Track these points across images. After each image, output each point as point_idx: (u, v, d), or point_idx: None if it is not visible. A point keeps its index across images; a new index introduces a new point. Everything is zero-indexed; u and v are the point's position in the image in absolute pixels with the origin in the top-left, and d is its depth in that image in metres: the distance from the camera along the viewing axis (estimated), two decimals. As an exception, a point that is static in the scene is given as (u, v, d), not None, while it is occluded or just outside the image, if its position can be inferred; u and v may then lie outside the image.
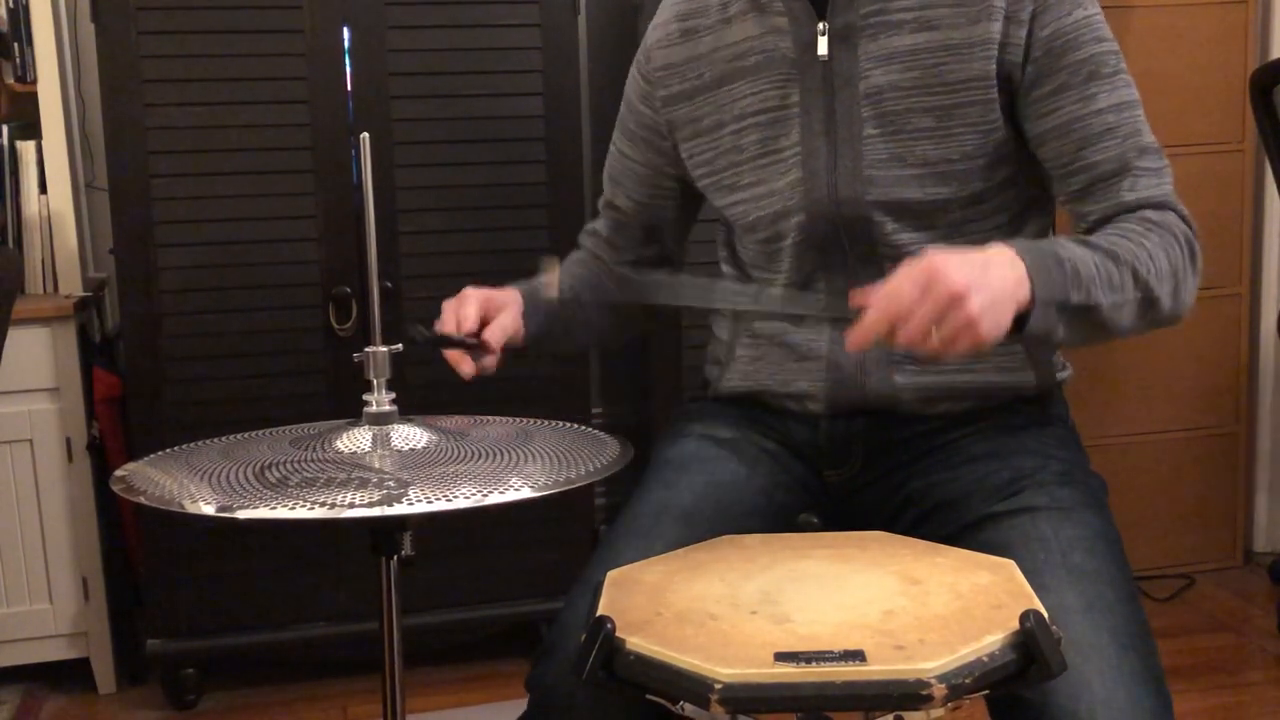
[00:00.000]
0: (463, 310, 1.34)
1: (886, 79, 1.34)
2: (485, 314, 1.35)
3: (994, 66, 1.31)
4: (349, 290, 2.50)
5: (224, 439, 1.30)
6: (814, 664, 0.96)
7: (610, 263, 1.58)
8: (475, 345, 1.32)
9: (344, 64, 2.46)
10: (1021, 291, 1.13)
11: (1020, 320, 1.14)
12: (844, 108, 1.35)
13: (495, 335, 1.34)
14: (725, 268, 1.53)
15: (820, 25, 1.36)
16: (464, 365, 1.34)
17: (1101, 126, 1.30)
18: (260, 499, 1.05)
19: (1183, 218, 1.31)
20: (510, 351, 1.38)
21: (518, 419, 1.38)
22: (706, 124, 1.44)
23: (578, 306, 1.51)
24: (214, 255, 2.46)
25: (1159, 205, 1.30)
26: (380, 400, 1.24)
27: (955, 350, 1.10)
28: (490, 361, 1.35)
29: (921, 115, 1.33)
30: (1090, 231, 1.31)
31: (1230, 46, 2.93)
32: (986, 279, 1.11)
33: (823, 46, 1.36)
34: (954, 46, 1.32)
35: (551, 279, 1.41)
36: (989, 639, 0.99)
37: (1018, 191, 1.38)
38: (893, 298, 1.10)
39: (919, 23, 1.33)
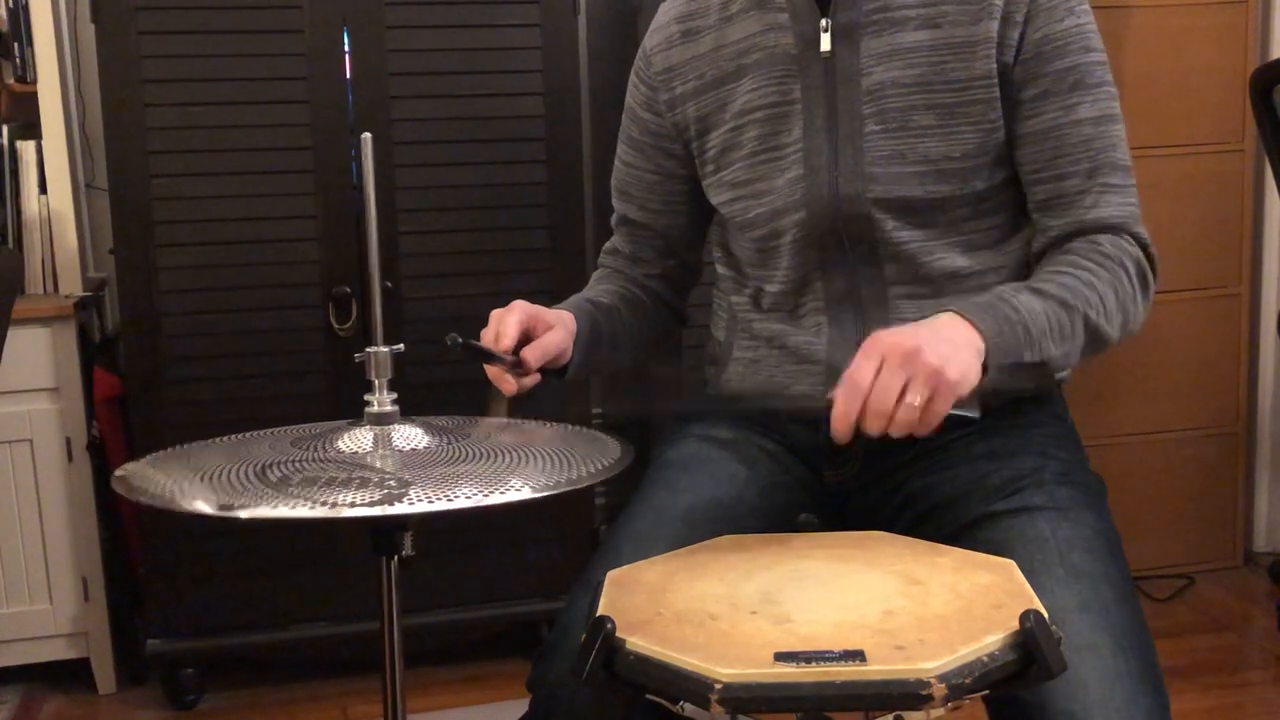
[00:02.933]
0: (502, 325, 1.29)
1: (889, 76, 1.34)
2: (530, 331, 1.31)
3: (994, 65, 1.31)
4: (349, 290, 2.50)
5: (225, 439, 1.30)
6: (814, 664, 0.96)
7: (637, 278, 1.56)
8: (510, 363, 1.27)
9: (344, 64, 2.46)
10: (979, 347, 1.17)
11: None
12: (846, 104, 1.35)
13: (534, 354, 1.29)
14: (720, 268, 1.52)
15: (823, 21, 1.36)
16: (504, 384, 1.29)
17: (1078, 137, 1.32)
18: (261, 498, 1.05)
19: (1139, 242, 1.34)
20: (551, 373, 1.34)
21: (519, 420, 1.38)
22: (710, 122, 1.44)
23: (618, 317, 1.49)
24: (214, 255, 2.46)
25: (1117, 229, 1.32)
26: (381, 400, 1.24)
27: (937, 407, 1.12)
28: (528, 381, 1.30)
29: (924, 113, 1.33)
30: (1048, 248, 1.35)
31: (1230, 46, 2.93)
32: (936, 335, 1.15)
33: (825, 43, 1.36)
34: (957, 45, 1.32)
35: (499, 410, 1.35)
36: (989, 639, 0.99)
37: (1017, 191, 1.38)
38: (852, 383, 1.13)
39: (922, 20, 1.33)
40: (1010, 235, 1.39)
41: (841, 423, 1.14)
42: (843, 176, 1.35)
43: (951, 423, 1.15)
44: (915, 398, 1.11)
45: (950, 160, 1.33)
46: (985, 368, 1.17)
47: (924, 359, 1.11)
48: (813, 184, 1.36)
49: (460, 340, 1.21)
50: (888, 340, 1.13)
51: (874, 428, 1.13)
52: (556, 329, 1.32)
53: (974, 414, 1.18)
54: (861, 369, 1.13)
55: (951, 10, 1.32)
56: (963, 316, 1.19)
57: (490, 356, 1.27)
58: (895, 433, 1.13)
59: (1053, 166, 1.33)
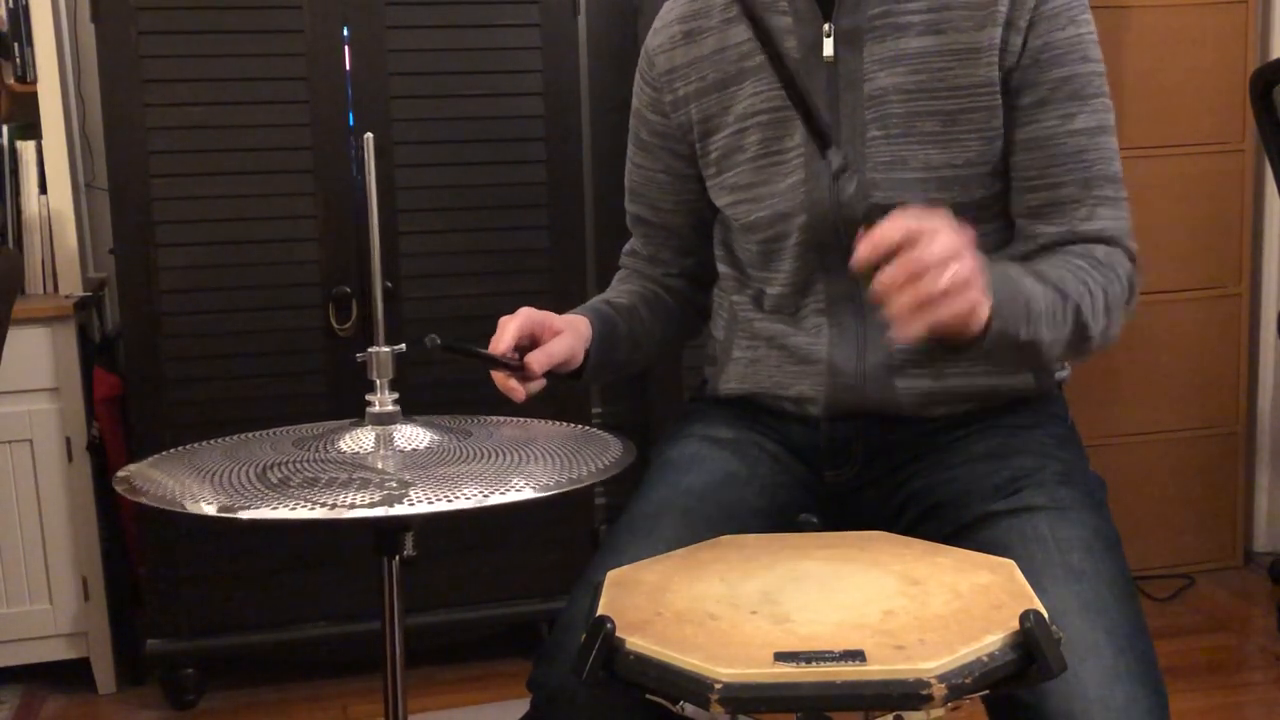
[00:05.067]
0: (501, 330, 1.28)
1: (892, 81, 1.34)
2: (537, 337, 1.30)
3: (997, 73, 1.31)
4: (349, 290, 2.50)
5: (227, 439, 1.30)
6: (814, 664, 0.96)
7: (657, 278, 1.56)
8: (509, 365, 1.27)
9: (344, 64, 2.46)
10: (987, 309, 1.13)
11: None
12: (848, 110, 1.35)
13: (538, 360, 1.28)
14: (722, 267, 1.52)
15: (826, 26, 1.36)
16: (513, 392, 1.28)
17: (1074, 147, 1.31)
18: (262, 499, 1.05)
19: (1130, 255, 1.33)
20: (560, 378, 1.33)
21: (520, 419, 1.38)
22: (712, 124, 1.44)
23: (637, 317, 1.49)
24: (214, 255, 2.46)
25: (1110, 241, 1.32)
26: (383, 400, 1.24)
27: (949, 305, 1.06)
28: (533, 386, 1.29)
29: (926, 119, 1.33)
30: (1039, 252, 1.33)
31: (1230, 46, 2.93)
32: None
33: (828, 48, 1.35)
34: (960, 51, 1.32)
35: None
36: (989, 639, 0.99)
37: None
38: (916, 229, 1.06)
39: (926, 25, 1.33)
40: (1009, 241, 1.39)
41: (871, 247, 1.07)
42: (844, 181, 1.35)
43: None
44: (943, 281, 1.05)
45: (952, 167, 1.33)
46: (985, 331, 1.13)
47: (968, 260, 1.07)
48: (814, 189, 1.36)
49: (439, 341, 1.18)
50: (962, 232, 1.08)
51: (897, 279, 1.06)
52: (564, 335, 1.32)
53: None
54: (931, 224, 1.06)
55: (956, 16, 1.32)
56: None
57: (480, 358, 1.26)
58: (901, 304, 1.06)
59: (1047, 175, 1.32)
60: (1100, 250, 1.31)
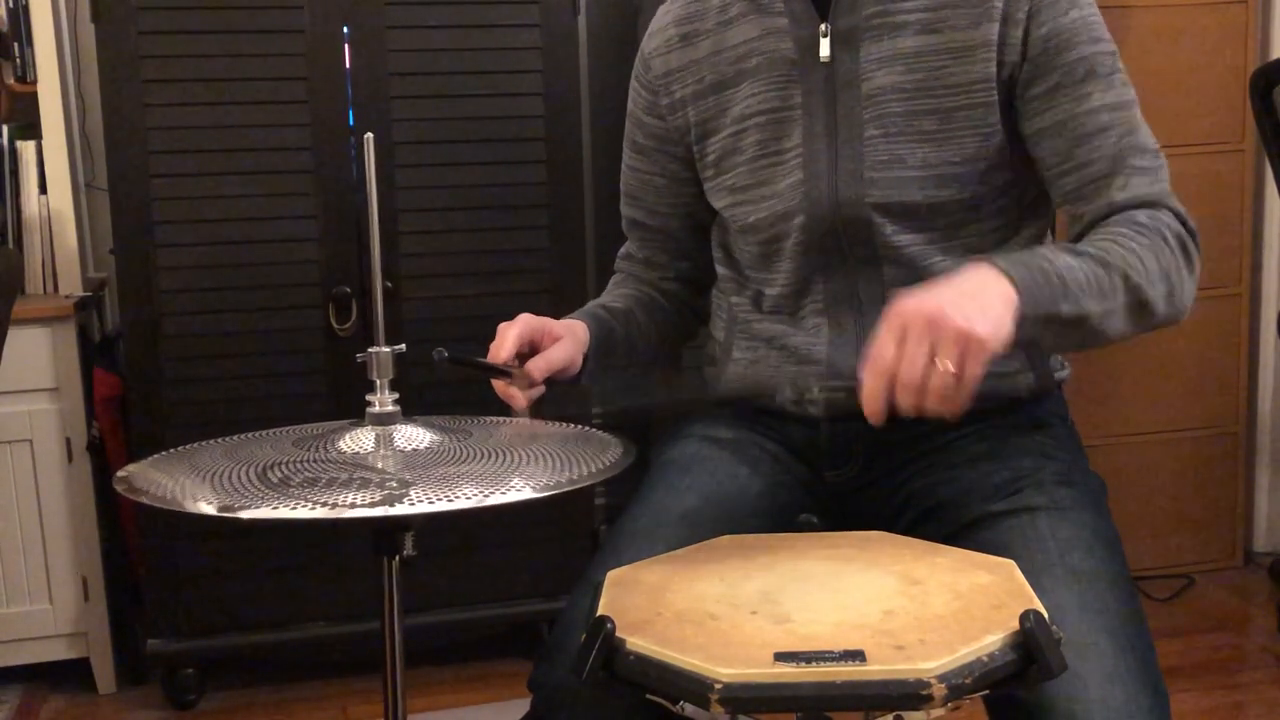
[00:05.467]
0: (501, 338, 1.28)
1: (889, 81, 1.34)
2: (536, 343, 1.30)
3: (994, 69, 1.31)
4: (349, 290, 2.50)
5: (226, 439, 1.30)
6: (814, 664, 0.96)
7: (653, 281, 1.56)
8: (510, 374, 1.26)
9: (344, 64, 2.46)
10: (1011, 297, 1.12)
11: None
12: (846, 109, 1.35)
13: (538, 367, 1.28)
14: (720, 269, 1.52)
15: (822, 26, 1.36)
16: (514, 400, 1.28)
17: (1095, 125, 1.30)
18: (262, 499, 1.05)
19: (1178, 215, 1.29)
20: (560, 384, 1.33)
21: (519, 419, 1.38)
22: (709, 126, 1.44)
23: (633, 321, 1.49)
24: (214, 255, 2.46)
25: (1151, 204, 1.29)
26: (383, 400, 1.24)
27: (971, 369, 1.06)
28: (533, 393, 1.29)
29: (923, 118, 1.33)
30: (1083, 234, 1.30)
31: (1230, 46, 2.93)
32: (959, 293, 1.09)
33: (825, 48, 1.35)
34: (956, 49, 1.32)
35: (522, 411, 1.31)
36: (989, 639, 0.99)
37: (1016, 195, 1.38)
38: (876, 359, 1.08)
39: (922, 25, 1.33)
40: (1009, 238, 1.39)
41: (873, 403, 1.08)
42: (842, 181, 1.35)
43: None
44: (946, 363, 1.05)
45: (950, 165, 1.33)
46: (1021, 321, 1.11)
47: (949, 321, 1.05)
48: (812, 189, 1.36)
49: (446, 355, 1.18)
50: (908, 307, 1.07)
51: (908, 403, 1.06)
52: (563, 341, 1.32)
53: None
54: (884, 342, 1.07)
55: (951, 14, 1.32)
56: (992, 265, 1.14)
57: (483, 368, 1.26)
58: (934, 406, 1.06)
59: (1074, 157, 1.31)
60: (1142, 215, 1.27)
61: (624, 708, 1.16)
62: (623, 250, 1.60)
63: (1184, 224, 1.29)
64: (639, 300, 1.52)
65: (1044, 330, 1.16)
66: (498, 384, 1.29)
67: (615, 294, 1.54)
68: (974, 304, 1.08)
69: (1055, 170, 1.33)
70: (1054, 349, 1.21)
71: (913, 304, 1.08)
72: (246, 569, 2.54)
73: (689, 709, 0.99)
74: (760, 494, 1.40)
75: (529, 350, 1.30)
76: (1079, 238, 1.31)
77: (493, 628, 2.71)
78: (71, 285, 2.66)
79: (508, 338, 1.28)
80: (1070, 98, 1.30)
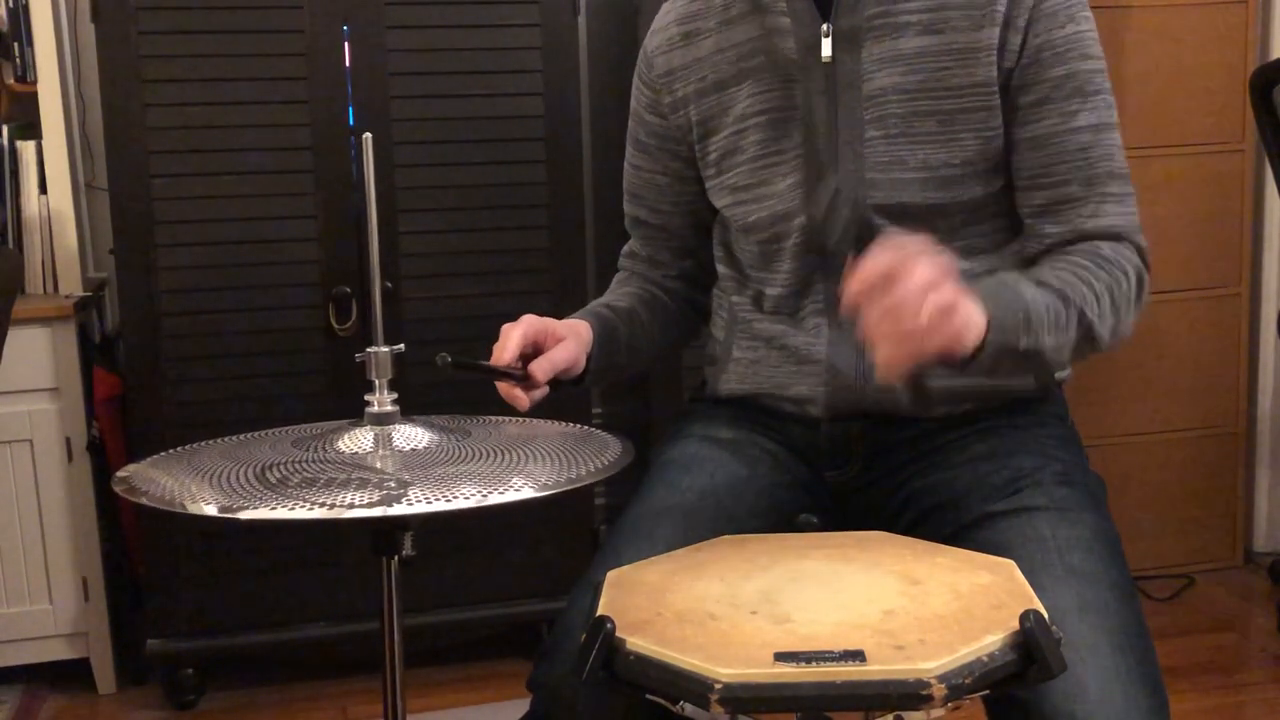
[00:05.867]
0: (504, 340, 1.27)
1: (890, 81, 1.34)
2: (539, 344, 1.30)
3: (995, 72, 1.31)
4: (349, 290, 2.50)
5: (225, 439, 1.30)
6: (814, 664, 0.96)
7: (656, 279, 1.56)
8: (514, 376, 1.26)
9: (344, 64, 2.46)
10: (981, 325, 1.15)
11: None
12: (846, 110, 1.35)
13: (542, 368, 1.28)
14: (722, 268, 1.52)
15: (824, 26, 1.36)
16: (517, 401, 1.28)
17: (1076, 145, 1.31)
18: (261, 499, 1.05)
19: (1138, 250, 1.33)
20: (564, 384, 1.33)
21: (519, 419, 1.38)
22: (711, 125, 1.44)
23: (636, 320, 1.49)
24: (214, 255, 2.46)
25: (1116, 237, 1.32)
26: (382, 400, 1.24)
27: (932, 339, 1.08)
28: (536, 394, 1.29)
29: (924, 119, 1.33)
30: (1046, 253, 1.33)
31: (1230, 46, 2.93)
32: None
33: (826, 48, 1.35)
34: (958, 51, 1.32)
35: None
36: (989, 639, 0.99)
37: (1015, 200, 1.38)
38: (877, 265, 1.07)
39: (924, 25, 1.33)
40: (1009, 240, 1.39)
41: (853, 289, 1.07)
42: (843, 182, 1.35)
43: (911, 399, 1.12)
44: (923, 315, 1.06)
45: (950, 167, 1.33)
46: (981, 347, 1.15)
47: (947, 288, 1.08)
48: (813, 189, 1.36)
49: (449, 359, 1.18)
50: (934, 257, 1.09)
51: (879, 323, 1.07)
52: (566, 342, 1.32)
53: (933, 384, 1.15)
54: (896, 260, 1.07)
55: (954, 16, 1.32)
56: (977, 296, 1.16)
57: (487, 371, 1.25)
58: (883, 345, 1.08)
59: (1050, 173, 1.32)
60: (1106, 247, 1.30)
61: (624, 708, 1.16)
62: (626, 249, 1.60)
63: (1144, 260, 1.33)
64: (642, 299, 1.52)
65: (999, 358, 1.18)
66: (501, 385, 1.29)
67: (618, 293, 1.54)
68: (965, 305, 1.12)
69: (1028, 183, 1.34)
70: (998, 376, 1.25)
71: (936, 260, 1.09)
72: (246, 569, 2.54)
73: (689, 709, 0.99)
74: (760, 494, 1.40)
75: (532, 351, 1.29)
76: (1037, 256, 1.34)
77: (493, 628, 2.71)
78: (71, 285, 2.66)
79: (511, 339, 1.27)
80: (1056, 113, 1.31)
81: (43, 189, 2.65)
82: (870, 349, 1.10)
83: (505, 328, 1.29)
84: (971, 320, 1.13)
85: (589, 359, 1.38)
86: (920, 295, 1.06)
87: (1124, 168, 1.33)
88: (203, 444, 1.28)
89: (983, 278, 1.25)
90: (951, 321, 1.09)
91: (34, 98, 2.63)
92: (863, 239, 1.36)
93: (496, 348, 1.28)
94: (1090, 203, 1.31)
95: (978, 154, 1.33)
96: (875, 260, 1.08)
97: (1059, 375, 1.45)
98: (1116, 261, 1.29)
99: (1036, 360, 1.23)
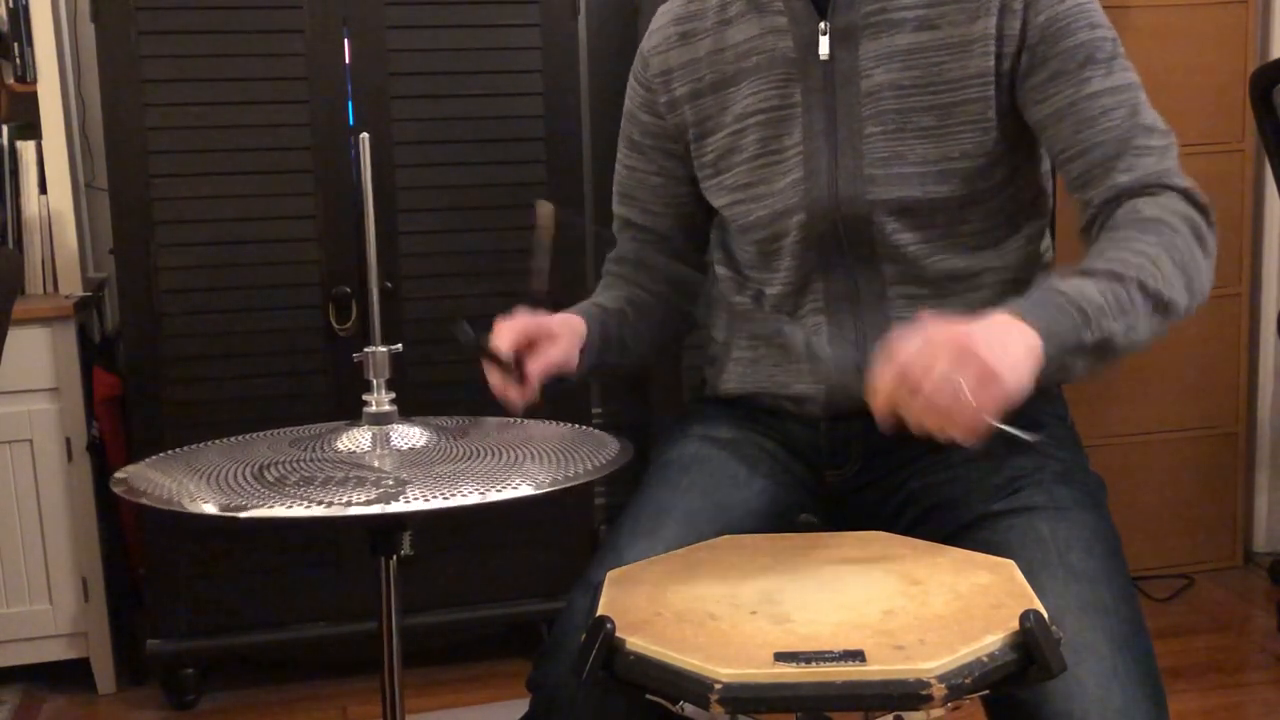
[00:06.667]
0: (499, 333, 1.27)
1: (888, 78, 1.34)
2: (533, 342, 1.29)
3: (993, 62, 1.31)
4: (349, 290, 2.50)
5: (225, 440, 1.30)
6: (814, 664, 0.96)
7: (644, 283, 1.54)
8: (507, 366, 1.26)
9: (344, 64, 2.46)
10: (1034, 343, 1.10)
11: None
12: (845, 107, 1.35)
13: (536, 367, 1.27)
14: (720, 269, 1.52)
15: (821, 24, 1.36)
16: (511, 403, 1.28)
17: (1097, 109, 1.29)
18: (260, 499, 1.05)
19: (1185, 194, 1.28)
20: (556, 382, 1.32)
21: (518, 419, 1.38)
22: (708, 125, 1.44)
23: (627, 321, 1.48)
24: (214, 255, 2.46)
25: (1155, 186, 1.27)
26: (380, 400, 1.24)
27: (985, 406, 1.05)
28: (529, 392, 1.28)
29: (922, 114, 1.33)
30: (1093, 221, 1.30)
31: (1230, 46, 2.93)
32: (989, 332, 1.08)
33: (824, 46, 1.35)
34: (954, 44, 1.32)
35: (545, 223, 1.31)
36: (989, 639, 0.99)
37: (1015, 192, 1.38)
38: (904, 371, 1.06)
39: (921, 21, 1.33)
40: (1010, 235, 1.39)
41: (887, 414, 1.06)
42: (842, 179, 1.35)
43: (1004, 440, 1.06)
44: (969, 389, 1.03)
45: (949, 161, 1.33)
46: (1048, 361, 1.10)
47: (977, 353, 1.05)
48: (813, 186, 1.36)
49: (472, 332, 1.18)
50: (940, 332, 1.06)
51: (926, 422, 1.05)
52: (560, 340, 1.31)
53: (1030, 437, 1.08)
54: (913, 360, 1.05)
55: (949, 10, 1.32)
56: (1013, 314, 1.13)
57: (494, 359, 1.25)
58: (948, 432, 1.06)
59: (1077, 143, 1.30)
60: (1147, 206, 1.26)
61: (624, 708, 1.16)
62: (612, 254, 1.58)
63: (1193, 202, 1.27)
64: (630, 301, 1.52)
65: (1073, 361, 1.14)
66: (494, 384, 1.28)
67: (607, 295, 1.53)
68: (1000, 348, 1.07)
69: (1062, 157, 1.32)
70: (1088, 375, 1.21)
71: (944, 329, 1.07)
72: (246, 569, 2.54)
73: (689, 709, 0.99)
74: (760, 493, 1.40)
75: (527, 347, 1.29)
76: (1090, 224, 1.30)
77: (493, 628, 2.71)
78: (71, 285, 2.66)
79: (505, 334, 1.27)
80: (1070, 83, 1.30)
81: (43, 189, 2.65)
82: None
83: (499, 325, 1.29)
84: (1013, 354, 1.08)
85: (582, 353, 1.37)
86: (948, 382, 1.04)
87: (1156, 121, 1.30)
88: (202, 444, 1.28)
89: (978, 292, 1.22)
90: (992, 378, 1.05)
91: (34, 98, 2.64)
92: (861, 236, 1.36)
93: (493, 339, 1.28)
94: (1125, 158, 1.28)
95: (976, 146, 1.33)
96: (881, 381, 1.07)
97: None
98: (1162, 219, 1.24)
99: (1112, 349, 1.17)
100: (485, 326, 1.30)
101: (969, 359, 1.05)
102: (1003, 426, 1.06)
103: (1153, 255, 1.20)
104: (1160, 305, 1.20)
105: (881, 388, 1.07)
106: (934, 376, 1.04)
